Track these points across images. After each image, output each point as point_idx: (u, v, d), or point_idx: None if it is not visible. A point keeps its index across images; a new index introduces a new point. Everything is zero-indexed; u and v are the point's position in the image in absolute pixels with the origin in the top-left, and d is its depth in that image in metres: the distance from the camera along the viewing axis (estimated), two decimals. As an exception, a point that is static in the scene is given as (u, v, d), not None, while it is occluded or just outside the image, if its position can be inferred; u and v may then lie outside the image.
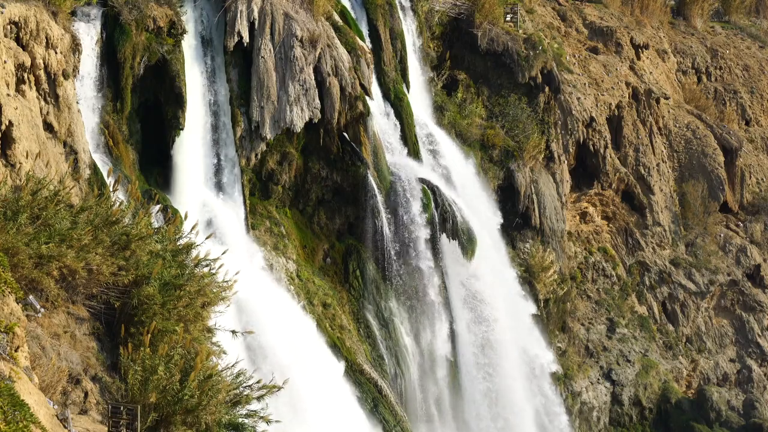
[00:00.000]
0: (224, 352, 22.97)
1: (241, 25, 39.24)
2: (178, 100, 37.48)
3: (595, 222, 57.84)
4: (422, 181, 44.24)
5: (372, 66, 43.57)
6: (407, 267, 43.47)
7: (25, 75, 30.33)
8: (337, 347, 39.74)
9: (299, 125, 40.25)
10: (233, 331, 23.51)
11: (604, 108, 57.11)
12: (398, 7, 47.76)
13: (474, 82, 52.38)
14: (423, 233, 43.37)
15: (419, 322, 44.07)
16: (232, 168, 39.62)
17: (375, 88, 44.33)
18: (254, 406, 21.34)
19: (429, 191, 43.98)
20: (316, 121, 40.77)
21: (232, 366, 21.23)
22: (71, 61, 32.99)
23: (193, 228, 24.43)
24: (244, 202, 39.74)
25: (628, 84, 59.36)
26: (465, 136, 49.82)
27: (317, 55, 40.70)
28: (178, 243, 23.84)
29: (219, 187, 39.39)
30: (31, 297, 19.56)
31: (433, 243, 43.71)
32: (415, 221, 43.21)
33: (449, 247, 44.46)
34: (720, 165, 61.86)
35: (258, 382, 21.37)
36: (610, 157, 57.04)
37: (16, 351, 16.67)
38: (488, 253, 46.43)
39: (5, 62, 28.85)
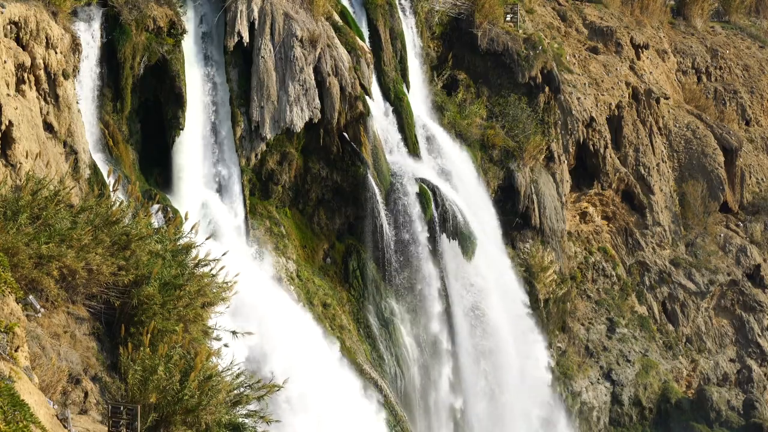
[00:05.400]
0: (226, 345, 22.98)
1: (241, 25, 39.25)
2: (178, 100, 37.48)
3: (595, 222, 57.84)
4: (422, 181, 44.23)
5: (372, 66, 43.57)
6: (407, 267, 43.45)
7: (25, 75, 30.33)
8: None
9: (299, 125, 40.26)
10: (233, 332, 23.52)
11: (604, 108, 57.11)
12: (398, 7, 47.75)
13: (474, 82, 52.39)
14: (423, 233, 43.37)
15: (419, 322, 44.07)
16: (232, 168, 39.62)
17: (375, 88, 44.32)
18: (254, 406, 21.35)
19: (429, 191, 43.97)
20: (316, 121, 40.77)
21: (232, 366, 21.23)
22: (71, 61, 32.99)
23: (193, 228, 24.44)
24: (244, 202, 39.75)
25: (628, 84, 59.36)
26: (465, 136, 49.80)
27: (317, 55, 40.71)
28: (178, 243, 23.85)
29: (219, 187, 39.38)
30: (31, 297, 19.56)
31: (433, 243, 43.71)
32: (415, 221, 43.20)
33: (449, 247, 44.45)
34: (720, 165, 61.85)
35: (258, 381, 21.38)
36: (610, 157, 57.04)
37: (16, 351, 16.67)
38: (488, 252, 46.42)
39: (5, 62, 28.85)
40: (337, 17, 43.59)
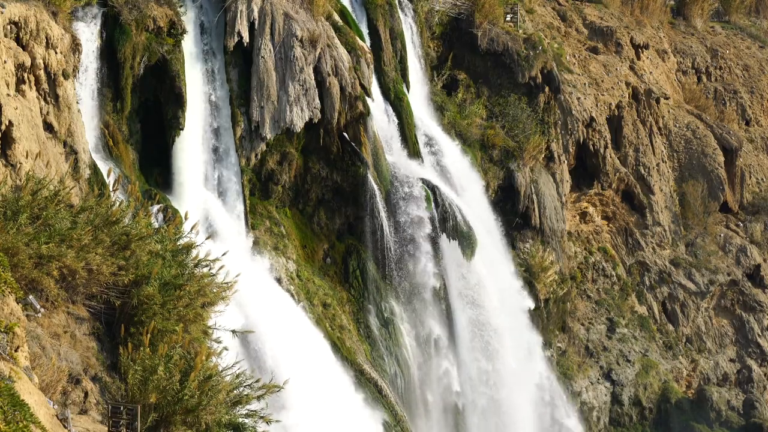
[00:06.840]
0: (226, 349, 22.99)
1: (241, 25, 39.25)
2: (178, 100, 37.48)
3: (595, 222, 57.84)
4: (422, 181, 44.23)
5: (372, 66, 43.57)
6: (407, 267, 43.45)
7: (25, 75, 30.33)
8: (337, 347, 39.74)
9: (299, 125, 40.26)
10: (233, 331, 23.52)
11: (604, 108, 57.11)
12: (398, 7, 47.76)
13: (474, 82, 52.39)
14: (423, 233, 43.35)
15: (419, 322, 44.06)
16: (232, 168, 39.61)
17: (375, 88, 44.32)
18: (254, 405, 21.34)
19: (429, 191, 43.97)
20: (316, 121, 40.77)
21: (232, 366, 21.23)
22: (71, 61, 32.99)
23: (193, 228, 24.43)
24: (244, 202, 39.74)
25: (628, 84, 59.36)
26: (465, 136, 49.81)
27: (317, 55, 40.71)
28: (178, 243, 23.84)
29: (219, 187, 39.38)
30: (31, 297, 19.56)
31: (433, 243, 43.69)
32: (415, 221, 43.19)
33: (449, 247, 44.44)
34: (720, 165, 61.86)
35: (257, 381, 21.38)
36: (610, 157, 57.04)
37: (16, 351, 16.67)
38: (488, 252, 46.41)
39: (5, 62, 28.85)
40: (337, 17, 43.59)
